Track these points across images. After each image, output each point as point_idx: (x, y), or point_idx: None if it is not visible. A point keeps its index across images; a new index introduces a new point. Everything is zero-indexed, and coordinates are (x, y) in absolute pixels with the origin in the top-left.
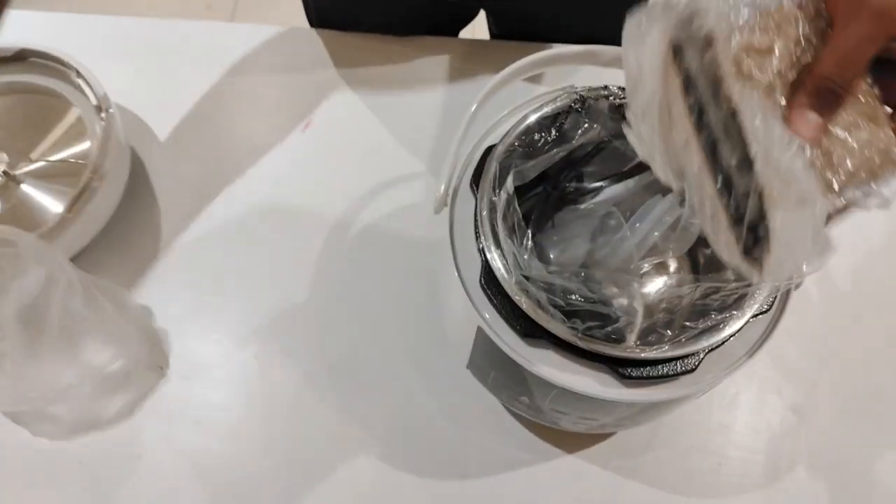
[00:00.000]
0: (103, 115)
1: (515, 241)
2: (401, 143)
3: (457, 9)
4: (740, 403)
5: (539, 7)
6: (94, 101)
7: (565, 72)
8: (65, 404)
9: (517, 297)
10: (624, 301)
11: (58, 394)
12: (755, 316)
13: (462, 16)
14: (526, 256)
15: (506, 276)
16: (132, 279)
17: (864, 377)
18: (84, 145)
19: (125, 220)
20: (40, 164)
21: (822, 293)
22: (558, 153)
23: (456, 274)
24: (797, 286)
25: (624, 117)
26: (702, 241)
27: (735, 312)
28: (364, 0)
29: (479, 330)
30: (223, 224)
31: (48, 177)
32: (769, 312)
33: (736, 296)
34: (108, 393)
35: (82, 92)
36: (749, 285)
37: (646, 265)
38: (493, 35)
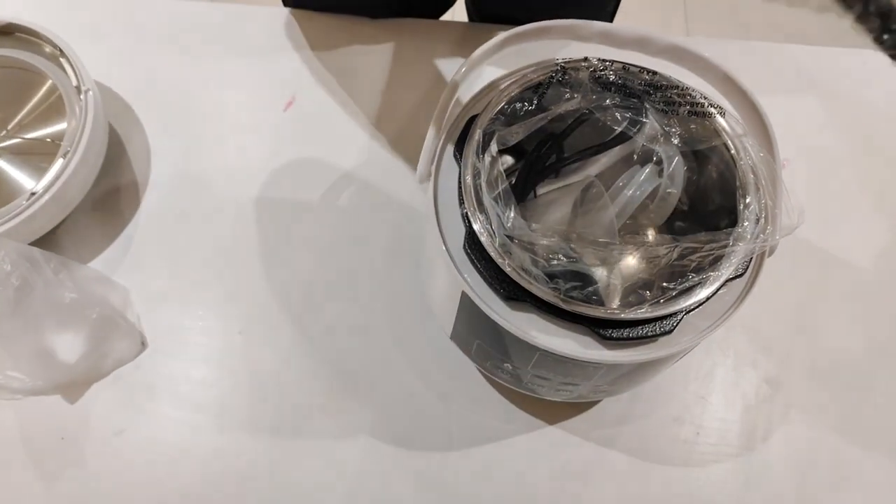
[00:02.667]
0: (82, 95)
1: (499, 202)
2: (382, 121)
3: None
4: (716, 376)
5: None
6: (74, 81)
7: (547, 50)
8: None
9: (500, 261)
10: (604, 270)
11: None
12: (730, 279)
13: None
14: (511, 215)
15: (489, 239)
16: (110, 257)
17: (837, 348)
18: (62, 124)
19: (103, 198)
20: (17, 140)
21: (795, 264)
22: (540, 121)
23: (440, 242)
24: (771, 252)
25: (604, 88)
26: (680, 214)
27: (711, 274)
28: None
29: (463, 297)
30: (205, 202)
31: (24, 153)
32: (744, 276)
33: (712, 257)
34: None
35: (64, 71)
36: (724, 246)
37: (625, 236)
38: (472, 21)
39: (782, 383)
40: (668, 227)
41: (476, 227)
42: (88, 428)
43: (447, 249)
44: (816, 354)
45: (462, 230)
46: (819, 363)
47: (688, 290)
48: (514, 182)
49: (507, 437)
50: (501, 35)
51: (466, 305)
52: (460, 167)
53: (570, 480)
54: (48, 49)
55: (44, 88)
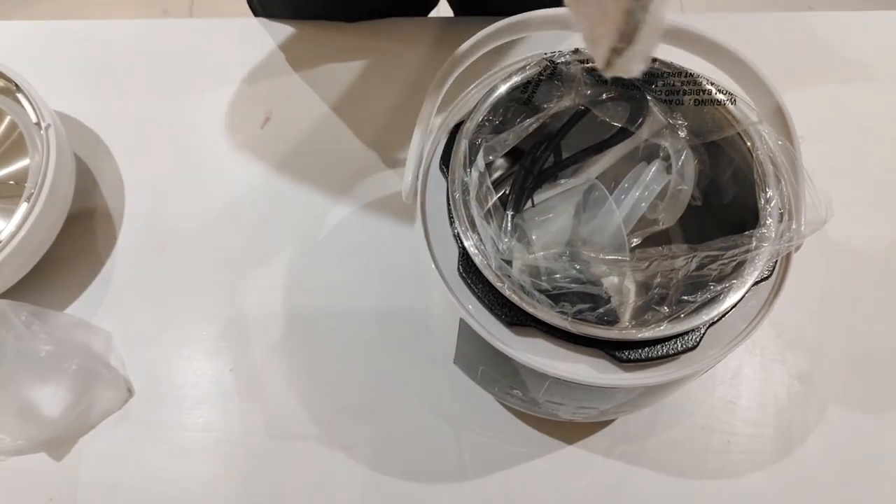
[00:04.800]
0: (43, 131)
1: (492, 223)
2: (366, 132)
3: None
4: (744, 377)
5: None
6: (33, 116)
7: (536, 44)
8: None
9: (499, 284)
10: (615, 280)
11: None
12: (756, 283)
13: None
14: (505, 239)
15: (485, 261)
16: (88, 300)
17: (869, 338)
18: (24, 162)
19: (75, 237)
20: None
21: (819, 255)
22: (532, 124)
23: (432, 264)
24: (797, 248)
25: (599, 81)
26: (693, 210)
27: (734, 281)
28: None
29: (463, 322)
30: (183, 232)
31: None
32: (770, 279)
33: (734, 263)
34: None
35: (22, 106)
36: (747, 251)
37: (635, 239)
38: (456, 15)
39: (815, 379)
40: (682, 226)
41: (469, 248)
42: (78, 485)
43: (440, 272)
44: (849, 345)
45: (455, 250)
46: (852, 354)
47: (710, 302)
48: (509, 190)
49: (523, 461)
50: (480, 34)
51: (466, 332)
52: (447, 183)
53: (597, 502)
54: (2, 84)
55: (2, 127)
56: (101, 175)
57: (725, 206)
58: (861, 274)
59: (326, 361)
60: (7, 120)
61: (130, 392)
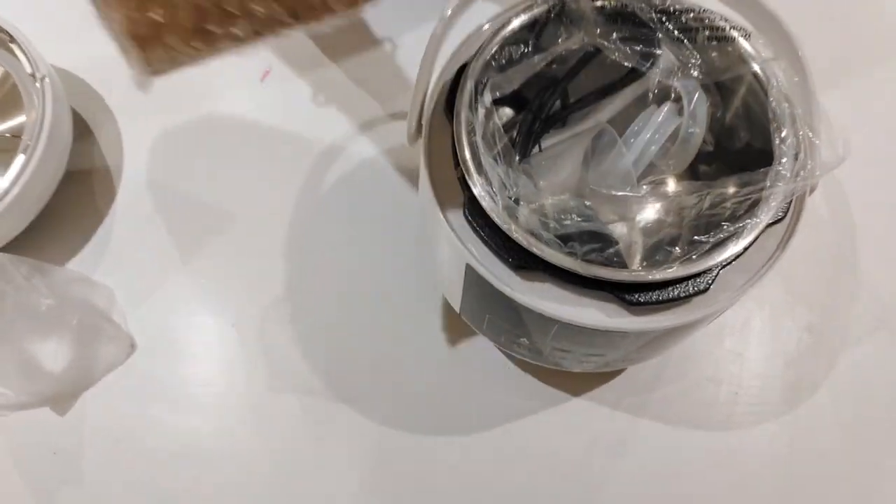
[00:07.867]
0: (38, 83)
1: (500, 163)
2: (369, 81)
3: None
4: (752, 329)
5: None
6: (28, 68)
7: None
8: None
9: (506, 227)
10: (625, 227)
11: None
12: (770, 225)
13: None
14: (512, 181)
15: (492, 203)
16: (88, 255)
17: (881, 290)
18: (21, 116)
19: (74, 194)
20: None
21: (830, 205)
22: (539, 62)
23: (437, 209)
24: (812, 190)
25: (609, 19)
26: (704, 156)
27: (748, 221)
28: None
29: (469, 268)
30: (183, 187)
31: None
32: (784, 220)
33: (748, 202)
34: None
35: (16, 57)
36: (762, 189)
37: (645, 186)
38: None
39: (825, 331)
40: (693, 173)
41: (476, 190)
42: (82, 440)
43: (445, 217)
44: (859, 298)
45: (461, 194)
46: (864, 307)
47: (723, 242)
48: (515, 136)
49: (531, 413)
50: None
51: (472, 278)
52: (452, 124)
53: (604, 454)
54: None
55: None
56: (100, 132)
57: (737, 151)
58: (873, 226)
59: (329, 315)
60: (1, 71)
61: (133, 347)
